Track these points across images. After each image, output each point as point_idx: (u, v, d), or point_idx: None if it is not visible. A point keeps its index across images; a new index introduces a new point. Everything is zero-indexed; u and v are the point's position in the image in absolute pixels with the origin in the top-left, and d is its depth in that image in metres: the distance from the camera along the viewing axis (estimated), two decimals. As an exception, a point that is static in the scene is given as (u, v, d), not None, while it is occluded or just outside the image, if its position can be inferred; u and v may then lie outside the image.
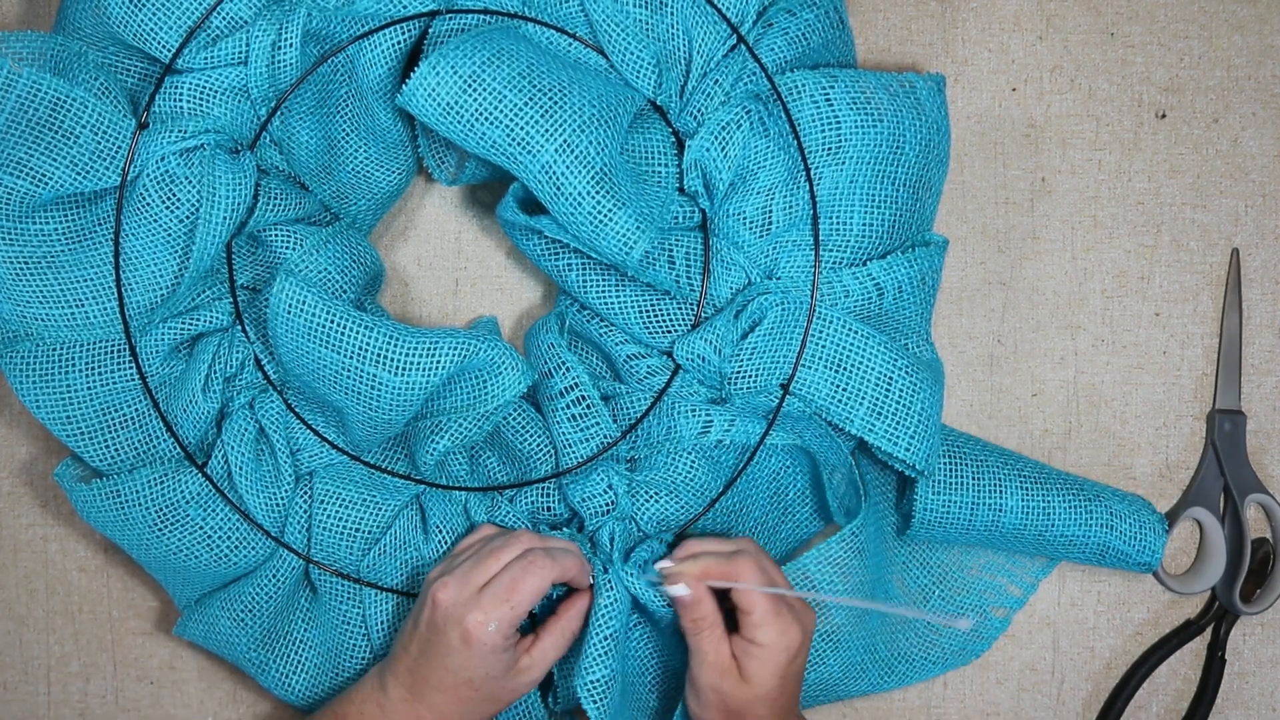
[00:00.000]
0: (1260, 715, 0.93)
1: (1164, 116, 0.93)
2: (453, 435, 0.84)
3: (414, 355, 0.80)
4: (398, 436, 0.86)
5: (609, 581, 0.82)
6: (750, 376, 0.83)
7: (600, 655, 0.80)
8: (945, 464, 0.86)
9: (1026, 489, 0.86)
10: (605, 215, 0.79)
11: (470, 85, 0.77)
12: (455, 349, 0.80)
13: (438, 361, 0.80)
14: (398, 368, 0.80)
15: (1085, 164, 0.93)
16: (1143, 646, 0.93)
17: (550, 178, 0.78)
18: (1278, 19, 0.92)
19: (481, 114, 0.77)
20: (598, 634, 0.81)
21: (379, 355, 0.79)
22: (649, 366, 0.85)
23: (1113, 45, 0.92)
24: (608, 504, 0.84)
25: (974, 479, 0.86)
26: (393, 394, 0.80)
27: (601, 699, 0.80)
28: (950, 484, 0.86)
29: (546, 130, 0.77)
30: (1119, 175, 0.93)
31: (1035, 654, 0.93)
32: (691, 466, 0.85)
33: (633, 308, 0.84)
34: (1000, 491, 0.86)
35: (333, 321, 0.79)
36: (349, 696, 0.82)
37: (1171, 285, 0.93)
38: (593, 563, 0.82)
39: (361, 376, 0.80)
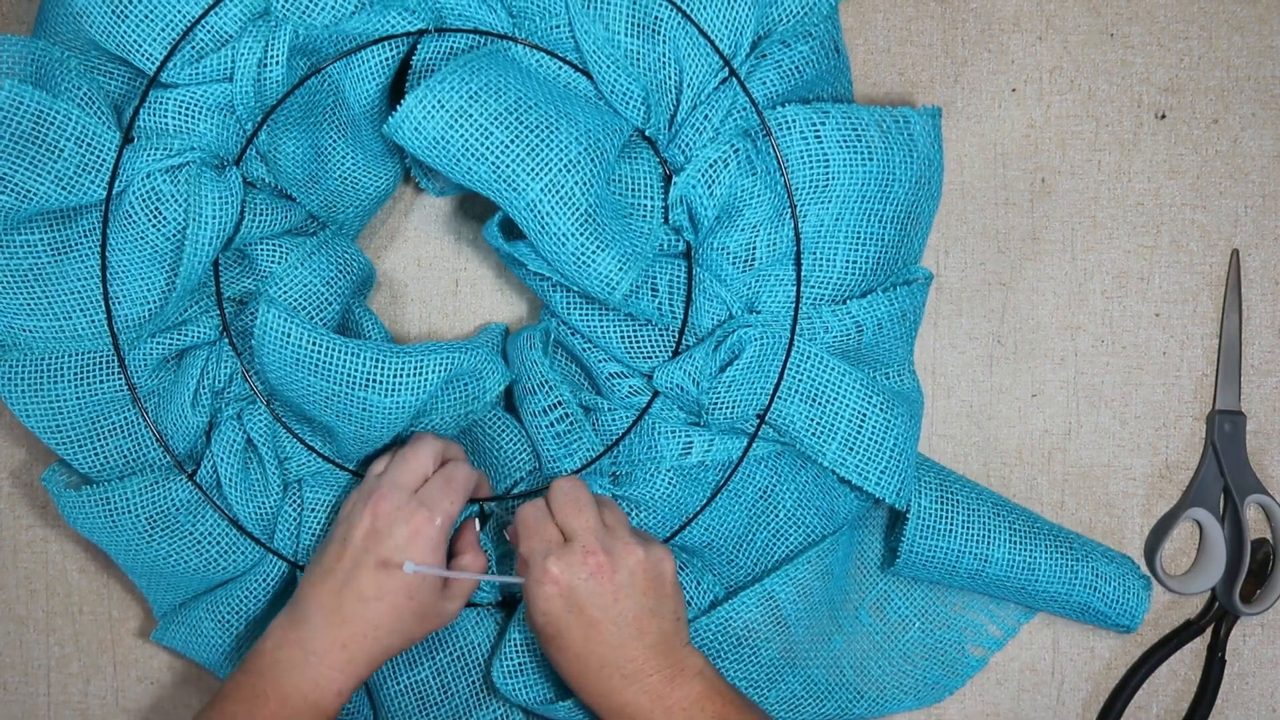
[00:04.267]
0: (1260, 716, 0.93)
1: (1164, 117, 0.93)
2: (425, 428, 0.85)
3: (401, 376, 0.80)
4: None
5: None
6: (727, 407, 0.84)
7: (520, 646, 0.84)
8: (937, 509, 0.86)
9: (1015, 542, 0.87)
10: (589, 256, 0.79)
11: (457, 120, 0.77)
12: (440, 365, 0.81)
13: (425, 380, 0.81)
14: (386, 389, 0.80)
15: (1085, 165, 0.93)
16: (1143, 647, 0.93)
17: (536, 216, 0.78)
18: (1278, 19, 0.92)
19: (468, 150, 0.77)
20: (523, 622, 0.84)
21: (366, 379, 0.80)
22: (631, 386, 0.85)
23: (1112, 46, 0.92)
24: None
25: (964, 526, 0.86)
26: (383, 414, 0.81)
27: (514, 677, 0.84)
28: (939, 529, 0.86)
29: (532, 169, 0.77)
30: (1119, 176, 0.93)
31: (1035, 654, 0.93)
32: (670, 483, 0.85)
33: (615, 333, 0.85)
34: (988, 542, 0.87)
35: (318, 349, 0.80)
36: (257, 651, 0.80)
37: (1171, 286, 0.93)
38: None
39: (351, 400, 0.81)
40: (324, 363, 0.80)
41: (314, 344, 0.80)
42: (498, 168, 0.78)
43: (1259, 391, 0.93)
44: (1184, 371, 0.93)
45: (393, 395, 0.81)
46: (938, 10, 0.92)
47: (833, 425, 0.84)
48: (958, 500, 0.87)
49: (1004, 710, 0.93)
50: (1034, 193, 0.93)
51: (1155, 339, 0.93)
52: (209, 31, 0.79)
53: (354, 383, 0.80)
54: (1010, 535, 0.87)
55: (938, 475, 0.88)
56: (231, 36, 0.79)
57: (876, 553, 0.91)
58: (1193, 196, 0.93)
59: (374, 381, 0.80)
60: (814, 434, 0.85)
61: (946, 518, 0.86)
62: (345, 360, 0.80)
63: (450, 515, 0.80)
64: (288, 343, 0.80)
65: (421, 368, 0.81)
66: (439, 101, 0.77)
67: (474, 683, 0.86)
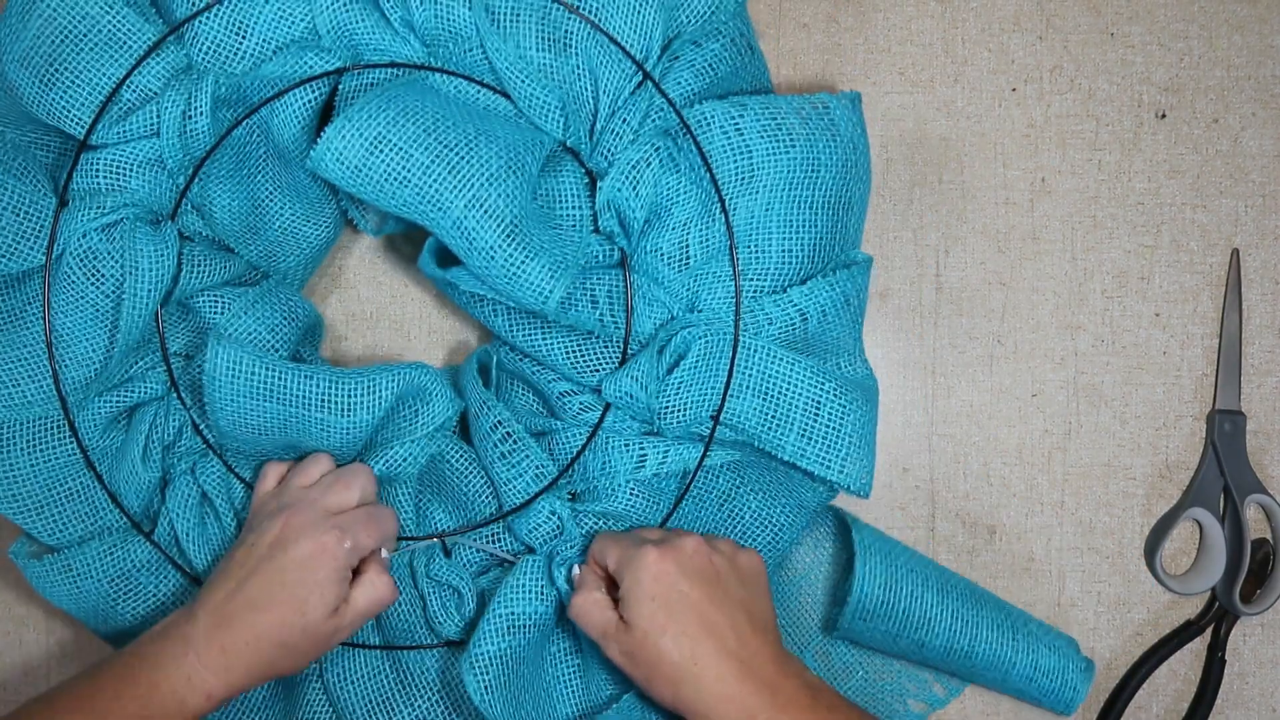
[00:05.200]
0: (1260, 715, 0.93)
1: (1164, 117, 0.93)
2: (388, 460, 0.84)
3: (356, 395, 0.81)
4: None
5: (532, 564, 0.83)
6: (679, 411, 0.83)
7: (494, 632, 0.81)
8: (880, 594, 0.85)
9: (955, 630, 0.86)
10: (518, 267, 0.79)
11: (377, 146, 0.77)
12: (393, 381, 0.82)
13: (379, 397, 0.82)
14: (343, 409, 0.81)
15: (1085, 164, 0.92)
16: (1143, 647, 0.93)
17: (462, 233, 0.78)
18: (1278, 19, 0.92)
19: (390, 174, 0.77)
20: (499, 610, 0.81)
21: (323, 400, 0.81)
22: (582, 403, 0.85)
23: (1113, 45, 0.92)
24: (555, 529, 0.84)
25: (904, 613, 0.85)
26: (341, 434, 0.82)
27: (484, 674, 0.80)
28: (879, 614, 0.85)
29: (455, 186, 0.77)
30: (1119, 175, 0.93)
31: (1035, 654, 0.93)
32: (631, 495, 0.85)
33: (559, 350, 0.84)
34: (928, 629, 0.86)
35: (272, 376, 0.80)
36: (147, 634, 0.78)
37: (1171, 286, 0.93)
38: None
39: (310, 422, 0.81)
40: (278, 388, 0.80)
41: (267, 369, 0.80)
42: (421, 189, 0.78)
43: (1259, 391, 0.93)
44: (1184, 371, 0.93)
45: (349, 415, 0.81)
46: (938, 10, 0.92)
47: (788, 416, 0.84)
48: (901, 588, 0.86)
49: (1004, 710, 0.93)
50: (1034, 192, 0.93)
51: (1155, 339, 0.93)
52: (135, 91, 0.80)
53: (309, 404, 0.81)
54: (951, 623, 0.86)
55: (885, 558, 0.86)
56: (156, 93, 0.80)
57: (820, 604, 0.91)
58: (1193, 196, 0.93)
59: (329, 402, 0.81)
60: (769, 428, 0.84)
61: (888, 604, 0.85)
62: (299, 383, 0.81)
63: (362, 547, 0.78)
64: (239, 372, 0.80)
65: (375, 385, 0.82)
66: (357, 130, 0.77)
67: None
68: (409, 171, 0.77)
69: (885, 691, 0.91)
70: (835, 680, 0.90)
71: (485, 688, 0.80)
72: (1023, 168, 0.92)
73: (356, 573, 0.80)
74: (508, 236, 0.78)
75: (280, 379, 0.80)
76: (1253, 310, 0.93)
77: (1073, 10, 0.92)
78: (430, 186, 0.77)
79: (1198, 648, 0.93)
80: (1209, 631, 0.93)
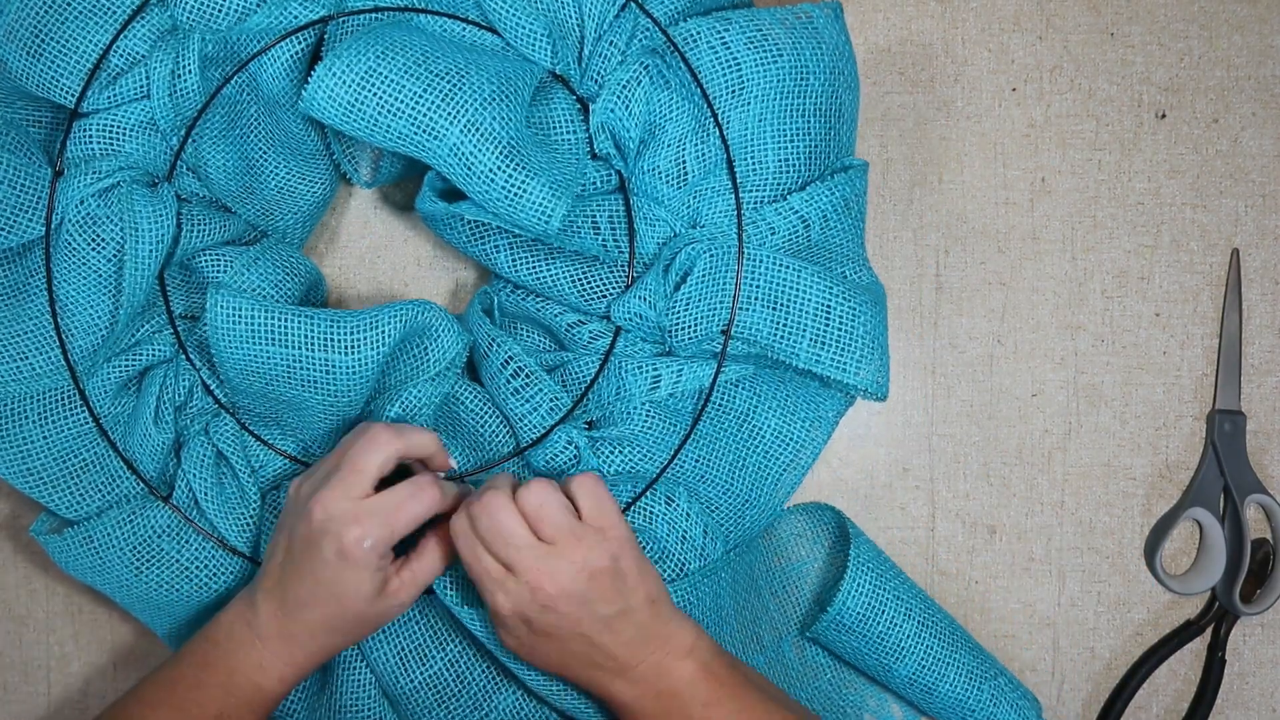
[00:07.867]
0: (1260, 715, 0.93)
1: (1164, 116, 0.93)
2: (403, 403, 0.84)
3: (359, 332, 0.80)
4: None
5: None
6: (689, 327, 0.83)
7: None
8: (861, 611, 0.85)
9: (924, 665, 0.86)
10: (519, 188, 0.78)
11: (367, 81, 0.77)
12: (395, 317, 0.81)
13: (382, 333, 0.81)
14: (346, 347, 0.80)
15: (1085, 164, 0.93)
16: (1143, 647, 0.93)
17: (460, 159, 0.78)
18: (1278, 19, 0.92)
19: (383, 107, 0.77)
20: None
21: (325, 340, 0.80)
22: (591, 331, 0.85)
23: (1113, 45, 0.92)
24: (572, 459, 0.85)
25: (880, 636, 0.86)
26: (347, 374, 0.81)
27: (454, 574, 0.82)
28: (856, 630, 0.86)
29: (449, 113, 0.77)
30: (1119, 175, 0.93)
31: (1035, 654, 0.93)
32: (647, 418, 0.85)
33: (565, 278, 0.84)
34: (899, 657, 0.86)
35: (273, 319, 0.80)
36: (218, 619, 0.80)
37: (1171, 286, 0.93)
38: None
39: (314, 364, 0.80)
40: (280, 330, 0.80)
41: (267, 313, 0.80)
42: (415, 119, 0.78)
43: (1259, 391, 0.93)
44: (1184, 371, 0.93)
45: (353, 353, 0.80)
46: (938, 10, 0.92)
47: (799, 324, 0.83)
48: (883, 613, 0.86)
49: None
50: (1034, 192, 0.93)
51: (1155, 339, 0.93)
52: (122, 56, 0.80)
53: (313, 345, 0.80)
54: (922, 658, 0.86)
55: (876, 579, 0.86)
56: (144, 56, 0.80)
57: (807, 599, 0.91)
58: (1193, 196, 0.93)
59: (332, 341, 0.80)
60: (781, 337, 0.83)
61: (865, 622, 0.86)
62: (301, 324, 0.80)
63: (385, 539, 0.75)
64: (241, 318, 0.80)
65: (377, 322, 0.81)
66: (347, 66, 0.77)
67: (489, 669, 0.85)
68: (401, 102, 0.77)
69: (846, 701, 0.91)
70: (804, 676, 0.90)
71: (449, 584, 0.82)
72: (1023, 168, 0.93)
73: (415, 537, 0.80)
74: (506, 158, 0.78)
75: (281, 322, 0.80)
76: (1253, 310, 0.93)
77: (1073, 10, 0.92)
78: (424, 115, 0.77)
79: (1198, 648, 0.93)
80: (1209, 631, 0.93)
